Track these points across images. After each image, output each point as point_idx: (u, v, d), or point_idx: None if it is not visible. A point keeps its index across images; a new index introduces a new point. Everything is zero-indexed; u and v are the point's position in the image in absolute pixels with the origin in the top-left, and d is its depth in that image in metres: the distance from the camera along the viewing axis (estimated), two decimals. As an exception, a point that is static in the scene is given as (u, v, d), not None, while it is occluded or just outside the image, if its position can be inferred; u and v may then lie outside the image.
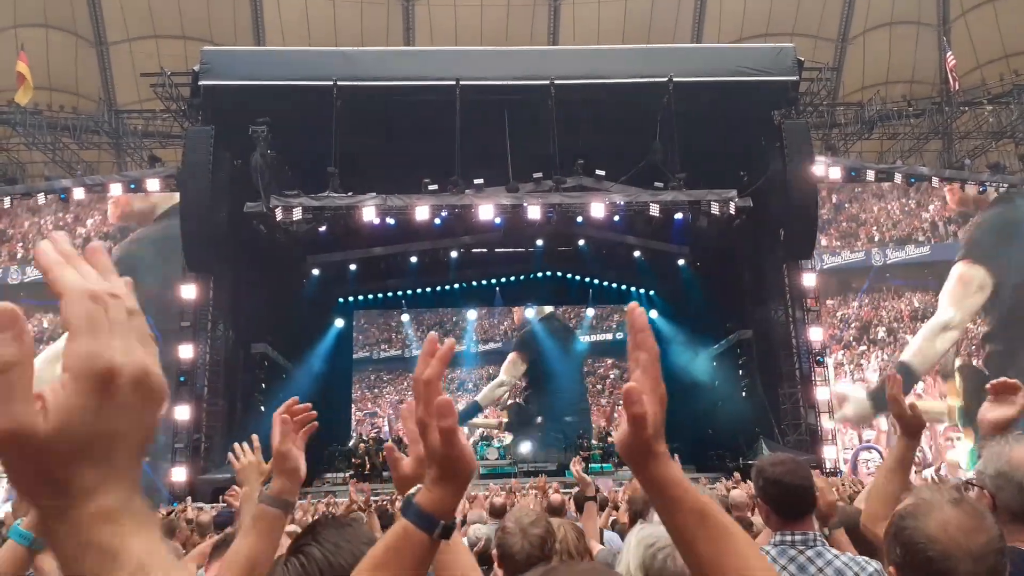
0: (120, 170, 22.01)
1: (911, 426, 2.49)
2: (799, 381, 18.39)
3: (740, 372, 20.11)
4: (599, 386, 24.53)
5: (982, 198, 20.35)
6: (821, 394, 18.30)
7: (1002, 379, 2.37)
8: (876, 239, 20.54)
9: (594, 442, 20.56)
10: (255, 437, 2.83)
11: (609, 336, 24.83)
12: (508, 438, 21.67)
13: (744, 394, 19.90)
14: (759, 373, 19.34)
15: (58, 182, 19.84)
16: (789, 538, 2.51)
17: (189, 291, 18.01)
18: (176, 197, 18.26)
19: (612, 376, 24.46)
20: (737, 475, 11.26)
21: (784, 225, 17.79)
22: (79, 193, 19.34)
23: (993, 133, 24.00)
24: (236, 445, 2.80)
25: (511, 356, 24.16)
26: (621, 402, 1.04)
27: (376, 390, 24.28)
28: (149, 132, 22.94)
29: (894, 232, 20.54)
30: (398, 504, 2.68)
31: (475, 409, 23.58)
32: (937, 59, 25.00)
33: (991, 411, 2.34)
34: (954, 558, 1.46)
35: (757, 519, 4.58)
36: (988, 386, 2.38)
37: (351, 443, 20.32)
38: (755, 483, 2.70)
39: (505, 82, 17.07)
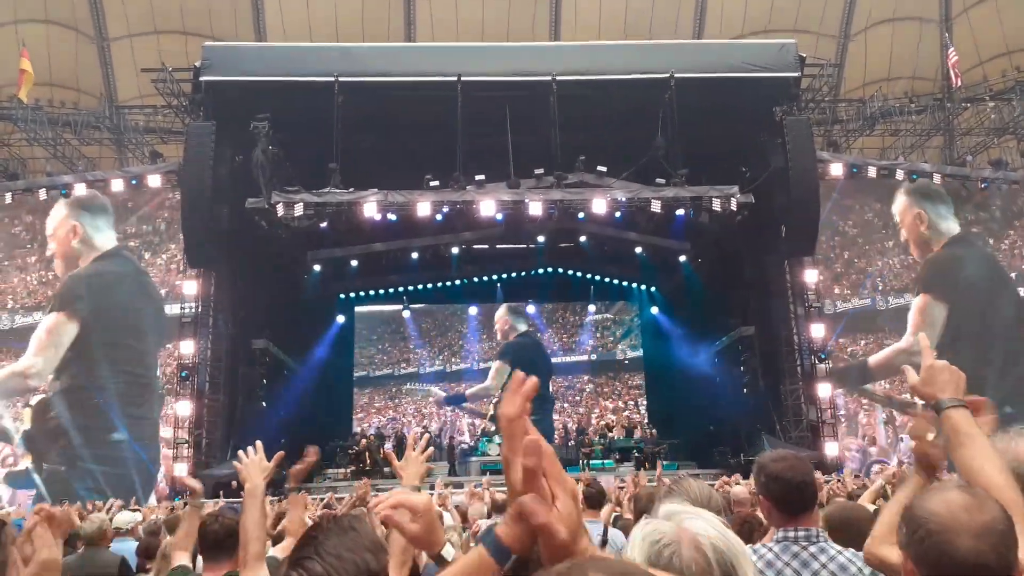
0: (121, 166, 22.01)
1: (931, 464, 2.44)
2: (801, 377, 18.39)
3: (742, 368, 20.11)
4: (577, 397, 24.71)
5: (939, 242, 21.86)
6: (823, 390, 18.30)
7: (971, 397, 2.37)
8: (880, 288, 22.79)
9: (595, 438, 20.57)
10: (259, 444, 2.99)
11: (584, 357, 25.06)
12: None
13: (745, 390, 19.89)
14: (761, 369, 19.33)
15: (59, 178, 19.86)
16: (792, 534, 2.50)
17: (190, 287, 18.03)
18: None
19: (587, 390, 24.82)
20: (737, 475, 11.24)
21: (786, 221, 17.76)
22: (80, 189, 19.34)
23: (995, 129, 23.96)
24: (240, 452, 2.96)
25: (496, 365, 24.21)
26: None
27: (388, 400, 24.45)
28: (150, 128, 22.93)
29: (895, 283, 22.92)
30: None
31: (461, 399, 23.95)
32: (939, 55, 24.93)
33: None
34: (954, 531, 1.47)
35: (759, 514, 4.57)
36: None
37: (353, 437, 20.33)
38: (756, 479, 2.69)
39: (506, 78, 17.04)
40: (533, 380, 1.14)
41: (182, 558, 3.34)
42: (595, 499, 4.92)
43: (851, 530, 2.84)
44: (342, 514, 1.86)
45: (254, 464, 2.87)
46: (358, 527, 1.75)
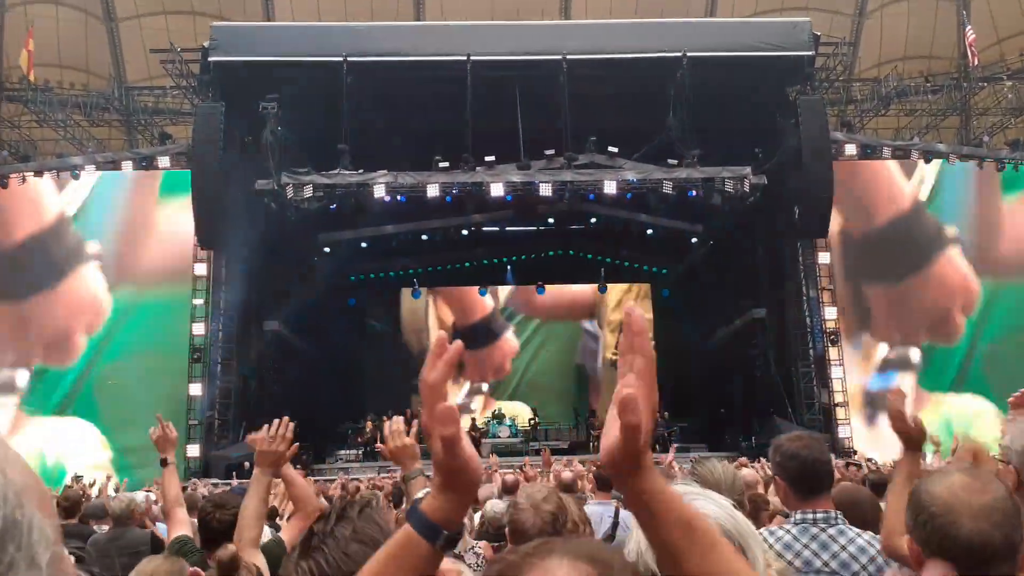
0: (131, 147, 22.01)
1: (913, 440, 2.49)
2: (813, 360, 18.30)
3: (753, 351, 20.02)
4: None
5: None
6: (835, 373, 18.21)
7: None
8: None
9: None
10: (287, 421, 2.93)
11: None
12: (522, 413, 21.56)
13: (757, 373, 19.82)
14: (773, 352, 19.24)
15: (69, 159, 19.85)
16: (811, 516, 2.50)
17: (201, 268, 18.07)
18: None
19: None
20: (744, 459, 11.21)
21: (799, 203, 17.60)
22: (90, 171, 19.35)
23: (1012, 109, 23.59)
24: (266, 427, 2.90)
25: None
26: (613, 407, 0.97)
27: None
28: (159, 109, 22.89)
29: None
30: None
31: None
32: (956, 34, 24.52)
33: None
34: (955, 512, 1.49)
35: (773, 497, 4.54)
36: (1011, 400, 2.38)
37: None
38: (772, 459, 2.68)
39: (517, 58, 16.89)
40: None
41: (182, 528, 3.28)
42: (605, 481, 4.88)
43: (856, 513, 2.85)
44: (352, 500, 1.83)
45: (268, 451, 2.83)
46: (371, 517, 1.73)
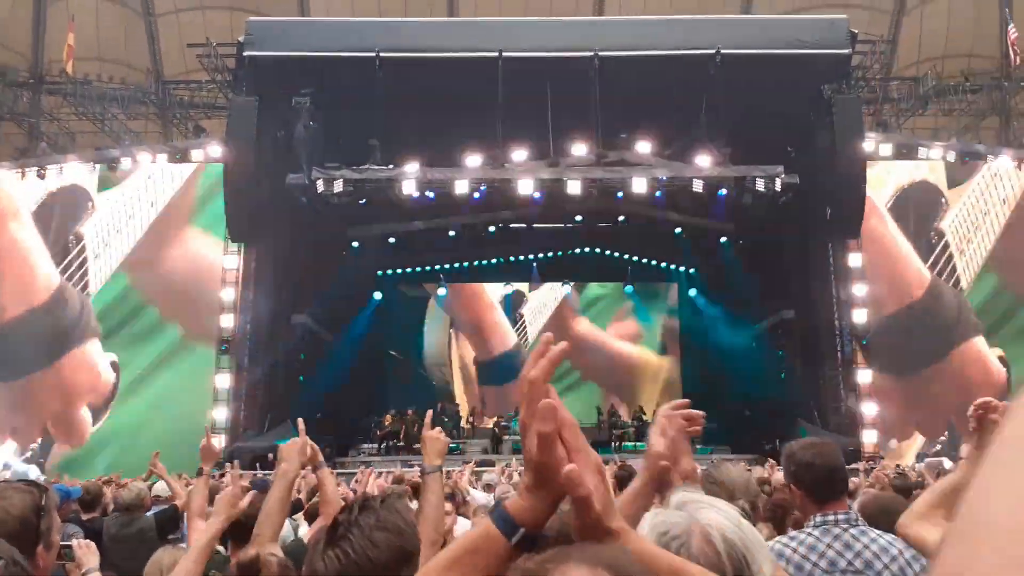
0: (166, 140, 22.35)
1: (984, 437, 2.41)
2: (840, 363, 18.04)
3: (780, 353, 19.80)
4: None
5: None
6: (862, 377, 17.94)
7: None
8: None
9: (627, 420, 20.48)
10: (300, 423, 3.06)
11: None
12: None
13: (783, 375, 19.59)
14: (800, 354, 19.01)
15: (106, 152, 20.22)
16: (832, 517, 2.52)
17: (231, 261, 18.28)
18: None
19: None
20: (772, 461, 11.09)
21: (831, 203, 17.36)
22: (127, 163, 19.68)
23: (1055, 111, 23.07)
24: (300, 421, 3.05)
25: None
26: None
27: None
28: (195, 103, 23.24)
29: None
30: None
31: None
32: (998, 32, 24.00)
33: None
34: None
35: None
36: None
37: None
38: (785, 469, 2.71)
39: (549, 54, 16.84)
40: (563, 345, 1.06)
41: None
42: (626, 482, 4.85)
43: (887, 519, 2.85)
44: (376, 494, 1.86)
45: (294, 446, 2.90)
46: (393, 507, 1.75)
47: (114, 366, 18.59)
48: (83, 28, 23.66)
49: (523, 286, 24.24)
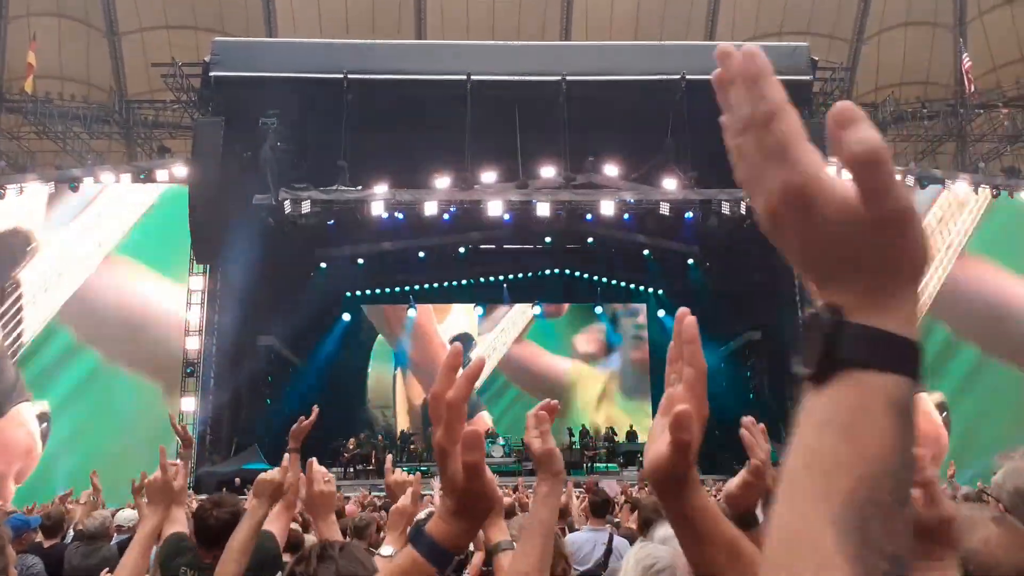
0: (130, 160, 22.03)
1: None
2: (808, 383, 18.24)
3: (749, 373, 19.98)
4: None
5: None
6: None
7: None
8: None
9: (599, 442, 20.46)
10: (287, 457, 3.01)
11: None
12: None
13: (752, 395, 19.77)
14: (768, 374, 19.20)
15: (68, 172, 19.86)
16: None
17: (196, 283, 18.02)
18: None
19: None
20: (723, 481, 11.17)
21: (795, 226, 17.61)
22: (88, 183, 19.34)
23: (1008, 137, 23.76)
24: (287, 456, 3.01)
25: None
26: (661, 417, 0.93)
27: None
28: (159, 123, 22.96)
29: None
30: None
31: None
32: (953, 61, 24.76)
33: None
34: (994, 572, 1.45)
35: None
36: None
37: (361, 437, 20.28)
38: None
39: (517, 77, 16.97)
40: (480, 359, 1.00)
41: (177, 526, 3.21)
42: (600, 507, 4.83)
43: None
44: (331, 541, 1.79)
45: (271, 483, 2.74)
46: (352, 555, 1.69)
47: (43, 417, 17.80)
48: (45, 46, 23.33)
49: (473, 327, 24.06)
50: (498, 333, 23.97)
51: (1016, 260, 19.78)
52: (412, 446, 20.26)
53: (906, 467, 0.54)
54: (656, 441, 0.93)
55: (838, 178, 0.62)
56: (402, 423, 22.97)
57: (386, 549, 2.42)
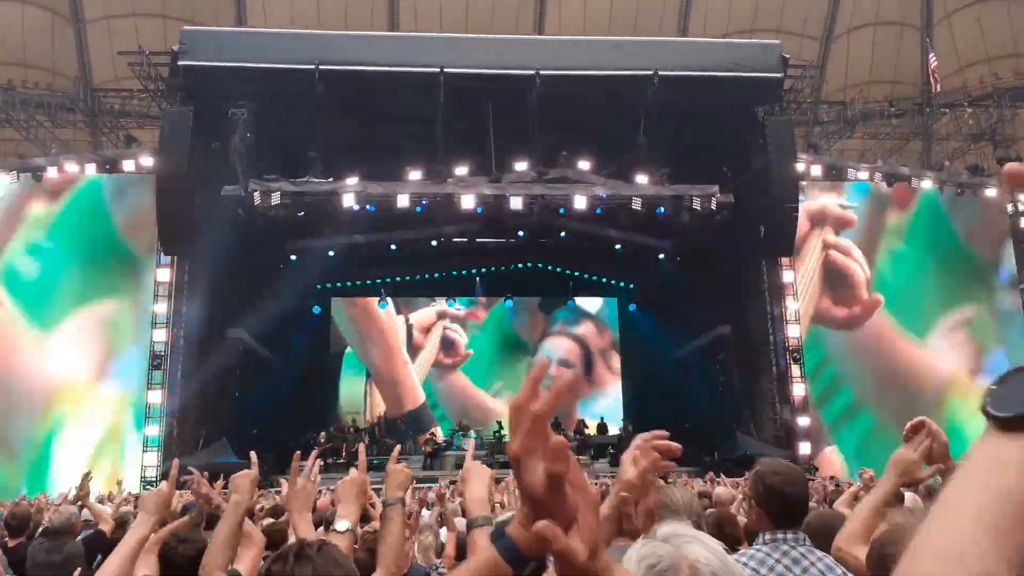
0: (95, 150, 21.62)
1: (907, 471, 2.38)
2: (775, 378, 18.50)
3: (718, 367, 20.20)
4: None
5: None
6: (797, 390, 18.43)
7: (915, 419, 2.34)
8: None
9: (570, 433, 20.57)
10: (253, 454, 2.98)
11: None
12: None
13: (721, 389, 19.99)
14: (737, 368, 19.43)
15: (32, 161, 19.45)
16: (781, 536, 2.64)
17: (164, 274, 17.78)
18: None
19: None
20: (711, 474, 11.28)
21: (765, 222, 17.84)
22: (53, 172, 18.96)
23: (972, 135, 24.23)
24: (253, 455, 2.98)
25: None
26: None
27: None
28: (126, 112, 22.56)
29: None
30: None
31: None
32: (920, 61, 25.16)
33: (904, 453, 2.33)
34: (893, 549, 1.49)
35: (741, 517, 4.57)
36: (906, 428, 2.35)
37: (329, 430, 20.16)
38: (753, 488, 2.78)
39: (489, 71, 16.93)
40: (569, 376, 1.01)
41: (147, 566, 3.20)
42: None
43: (830, 536, 2.90)
44: (312, 540, 1.78)
45: (247, 477, 2.78)
46: (329, 555, 1.68)
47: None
48: (8, 32, 22.81)
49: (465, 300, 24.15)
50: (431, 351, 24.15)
51: (916, 324, 20.10)
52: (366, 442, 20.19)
53: None
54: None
55: None
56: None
57: (341, 523, 2.40)
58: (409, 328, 24.27)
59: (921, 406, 16.75)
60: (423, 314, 24.40)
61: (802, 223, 18.80)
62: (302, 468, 2.78)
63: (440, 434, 21.54)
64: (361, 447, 2.92)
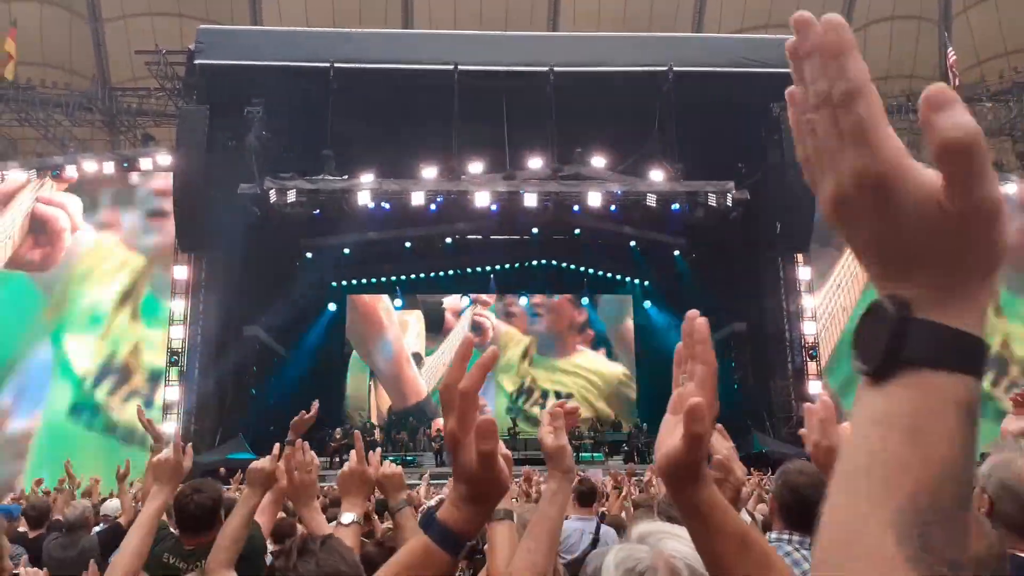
0: (113, 148, 21.82)
1: None
2: (791, 374, 18.39)
3: (733, 365, 20.10)
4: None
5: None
6: (813, 387, 18.30)
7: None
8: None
9: (584, 430, 20.54)
10: (276, 447, 2.88)
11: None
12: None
13: (736, 386, 19.89)
14: (752, 365, 19.33)
15: (50, 159, 19.66)
16: (787, 536, 2.61)
17: (181, 272, 17.91)
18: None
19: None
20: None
21: (780, 218, 17.73)
22: (71, 171, 19.16)
23: (991, 130, 23.96)
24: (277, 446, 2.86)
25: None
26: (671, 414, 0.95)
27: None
28: (143, 111, 22.76)
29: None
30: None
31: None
32: (938, 55, 24.92)
33: (1014, 422, 2.31)
34: None
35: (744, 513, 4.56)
36: (1011, 397, 2.34)
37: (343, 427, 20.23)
38: (776, 482, 2.77)
39: (504, 68, 16.92)
40: (494, 350, 1.03)
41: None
42: (587, 496, 4.86)
43: None
44: (317, 535, 1.77)
45: (262, 471, 2.72)
46: (333, 549, 1.68)
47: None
48: (26, 32, 23.02)
49: (421, 346, 24.09)
50: (444, 354, 24.18)
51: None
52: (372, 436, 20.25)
53: (969, 472, 0.54)
54: (669, 437, 0.95)
55: (921, 166, 0.59)
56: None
57: (345, 516, 2.39)
58: (441, 312, 24.29)
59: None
60: (454, 299, 24.41)
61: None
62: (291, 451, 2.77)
63: None
64: (357, 434, 2.80)
